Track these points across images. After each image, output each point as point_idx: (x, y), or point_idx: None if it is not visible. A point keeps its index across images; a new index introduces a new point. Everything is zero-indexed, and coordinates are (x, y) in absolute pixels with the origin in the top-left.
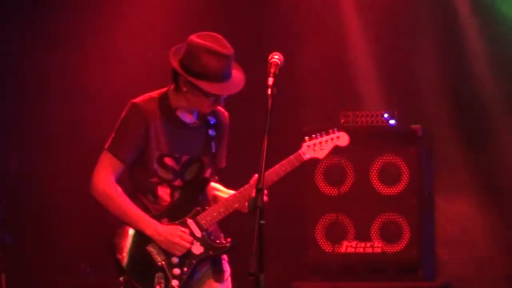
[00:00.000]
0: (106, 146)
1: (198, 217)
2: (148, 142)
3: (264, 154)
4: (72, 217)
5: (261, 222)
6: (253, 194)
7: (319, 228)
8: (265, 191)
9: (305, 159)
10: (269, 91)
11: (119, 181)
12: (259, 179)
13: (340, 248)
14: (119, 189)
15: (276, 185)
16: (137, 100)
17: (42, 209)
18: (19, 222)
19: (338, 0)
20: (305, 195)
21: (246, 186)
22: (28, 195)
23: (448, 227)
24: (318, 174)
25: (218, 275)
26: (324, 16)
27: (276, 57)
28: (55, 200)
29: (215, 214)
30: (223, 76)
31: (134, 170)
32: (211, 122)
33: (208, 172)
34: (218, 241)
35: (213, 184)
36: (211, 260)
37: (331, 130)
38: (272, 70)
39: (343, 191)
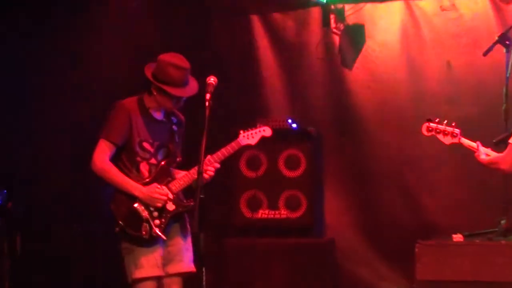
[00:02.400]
0: (100, 135)
1: (169, 184)
2: (131, 130)
3: (203, 146)
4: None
5: (201, 196)
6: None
7: (242, 200)
8: (215, 166)
9: (242, 144)
10: (207, 103)
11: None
12: (199, 165)
13: (257, 215)
14: (112, 165)
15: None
16: (122, 100)
17: (44, 190)
18: (28, 197)
19: (256, 38)
20: (232, 177)
21: (209, 158)
22: (35, 181)
23: (334, 200)
24: (242, 162)
25: (183, 232)
26: (246, 52)
27: (212, 79)
28: (55, 183)
29: (181, 182)
30: (183, 83)
31: (121, 152)
32: (174, 121)
33: (173, 155)
34: (185, 201)
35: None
36: (179, 222)
37: (259, 125)
38: (209, 89)
39: (259, 174)
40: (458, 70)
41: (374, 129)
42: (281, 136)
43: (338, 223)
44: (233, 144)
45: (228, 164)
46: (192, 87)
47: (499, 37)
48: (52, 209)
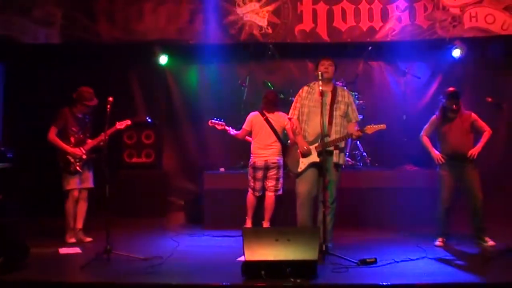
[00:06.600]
0: (52, 123)
1: (84, 146)
2: (67, 122)
3: (107, 129)
4: None
5: (105, 153)
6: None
7: (125, 154)
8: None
9: (117, 128)
10: (108, 108)
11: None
12: (105, 141)
13: (132, 160)
14: (57, 138)
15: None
16: (63, 108)
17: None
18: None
19: (133, 88)
20: (120, 144)
21: (102, 134)
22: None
23: (168, 153)
24: (124, 136)
25: (89, 168)
26: (130, 91)
27: (111, 98)
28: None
29: (89, 146)
30: (92, 100)
31: (62, 132)
32: (86, 117)
33: (85, 133)
34: (91, 154)
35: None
36: (87, 163)
37: (126, 119)
38: (110, 102)
39: (133, 142)
40: (226, 96)
41: (186, 121)
42: (144, 124)
43: (169, 164)
44: (113, 127)
45: (118, 139)
46: (95, 102)
47: (240, 82)
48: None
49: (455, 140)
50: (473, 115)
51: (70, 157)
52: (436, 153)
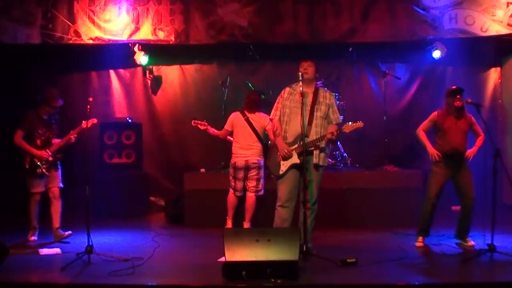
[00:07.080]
0: (18, 127)
1: (50, 148)
2: (32, 125)
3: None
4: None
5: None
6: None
7: (105, 154)
8: (74, 136)
9: (83, 127)
10: (88, 108)
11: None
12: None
13: (112, 161)
14: (23, 141)
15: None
16: (28, 111)
17: None
18: None
19: (112, 82)
20: (100, 144)
21: (71, 132)
22: None
23: (148, 154)
24: (105, 137)
25: (55, 169)
26: (107, 88)
27: (91, 98)
28: None
29: (56, 147)
30: (56, 101)
31: (28, 134)
32: (52, 118)
33: (51, 134)
34: (57, 155)
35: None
36: (54, 164)
37: (92, 119)
38: (90, 102)
39: (113, 142)
40: (207, 96)
41: (167, 122)
42: (124, 125)
43: (149, 164)
44: (80, 126)
45: (97, 139)
46: (60, 102)
47: (221, 82)
48: None
49: (455, 139)
50: (473, 118)
51: (36, 160)
52: (432, 149)
